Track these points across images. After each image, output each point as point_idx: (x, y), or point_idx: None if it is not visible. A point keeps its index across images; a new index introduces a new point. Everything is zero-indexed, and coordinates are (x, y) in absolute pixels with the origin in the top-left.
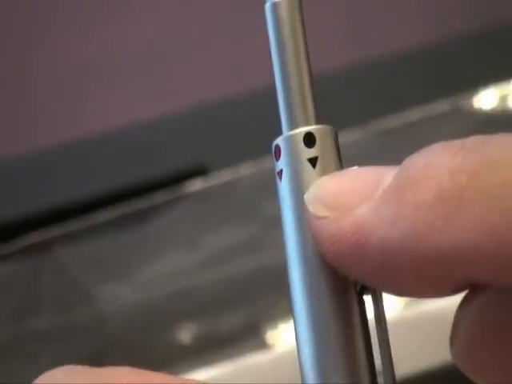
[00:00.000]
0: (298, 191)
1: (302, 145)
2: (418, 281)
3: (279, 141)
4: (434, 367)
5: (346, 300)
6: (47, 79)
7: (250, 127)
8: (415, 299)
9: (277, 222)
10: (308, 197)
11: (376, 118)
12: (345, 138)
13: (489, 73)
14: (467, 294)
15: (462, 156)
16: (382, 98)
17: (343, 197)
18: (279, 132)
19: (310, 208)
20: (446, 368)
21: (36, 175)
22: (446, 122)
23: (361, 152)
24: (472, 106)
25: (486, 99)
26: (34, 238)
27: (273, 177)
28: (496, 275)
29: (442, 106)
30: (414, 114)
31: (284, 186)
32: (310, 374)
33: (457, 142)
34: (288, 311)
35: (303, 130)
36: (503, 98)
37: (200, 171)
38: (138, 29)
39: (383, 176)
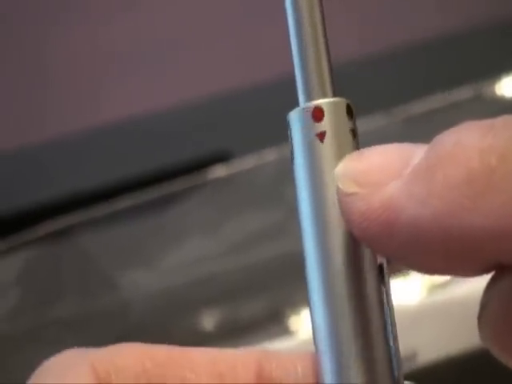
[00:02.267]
0: (308, 167)
1: (310, 119)
2: (447, 259)
3: (290, 115)
4: (458, 353)
5: (365, 277)
6: (51, 74)
7: (273, 113)
8: (439, 286)
9: None
10: (338, 173)
11: (400, 105)
12: (369, 124)
13: (511, 59)
14: (494, 275)
15: (492, 136)
16: (405, 85)
17: (373, 173)
18: None
19: (340, 184)
20: (470, 354)
21: (58, 162)
22: (468, 108)
23: (384, 138)
24: (495, 93)
25: (509, 86)
26: (57, 224)
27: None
28: None
29: (465, 92)
30: (437, 101)
31: (296, 162)
32: (325, 357)
33: (487, 122)
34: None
35: (312, 104)
36: None
37: (223, 157)
38: (159, 15)
39: (412, 153)
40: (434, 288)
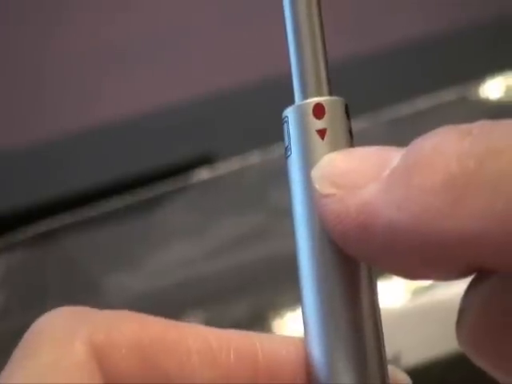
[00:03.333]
0: (306, 163)
1: (311, 115)
2: (424, 264)
3: (288, 111)
4: (442, 356)
5: (354, 277)
6: (51, 71)
7: (257, 116)
8: (423, 289)
9: (284, 211)
10: (315, 174)
11: (384, 107)
12: (353, 126)
13: (496, 62)
14: (474, 280)
15: (470, 141)
16: (390, 87)
17: (350, 175)
18: None
19: (317, 185)
20: (454, 357)
21: (43, 165)
22: (453, 110)
23: (369, 140)
24: (479, 95)
25: (493, 88)
26: (41, 227)
27: (280, 166)
28: (502, 262)
29: (449, 95)
30: (421, 103)
31: (292, 158)
32: (316, 351)
33: (464, 127)
34: (295, 300)
35: (313, 100)
36: (510, 88)
37: (207, 160)
38: (145, 17)
39: (391, 157)
40: (418, 291)
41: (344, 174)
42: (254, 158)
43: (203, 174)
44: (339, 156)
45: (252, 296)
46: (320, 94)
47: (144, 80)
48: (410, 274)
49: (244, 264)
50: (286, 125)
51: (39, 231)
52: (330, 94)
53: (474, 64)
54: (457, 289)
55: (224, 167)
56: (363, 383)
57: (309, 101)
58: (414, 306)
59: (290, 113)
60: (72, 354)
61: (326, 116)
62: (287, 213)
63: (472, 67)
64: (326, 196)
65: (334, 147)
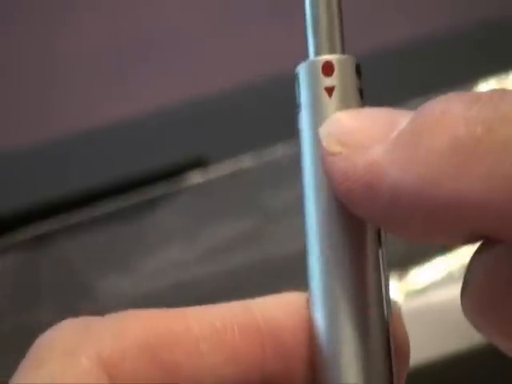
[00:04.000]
0: (313, 120)
1: (320, 73)
2: (427, 225)
3: (300, 67)
4: (436, 358)
5: (359, 236)
6: (33, 77)
7: (250, 119)
8: (416, 291)
9: (277, 214)
10: (322, 132)
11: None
12: None
13: (489, 65)
14: (478, 248)
15: (479, 107)
16: (381, 90)
17: (358, 135)
18: (280, 124)
19: (324, 143)
20: (448, 359)
21: (35, 168)
22: None
23: None
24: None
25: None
26: (35, 230)
27: (273, 169)
28: (506, 227)
29: None
30: (414, 106)
31: (302, 115)
32: (319, 314)
33: (474, 93)
34: None
35: (323, 58)
36: None
37: (200, 163)
38: (139, 22)
39: (399, 118)
40: (411, 293)
41: (351, 133)
42: (247, 162)
43: (196, 177)
44: (347, 115)
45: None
46: (332, 52)
47: (136, 83)
48: (413, 235)
49: (237, 267)
50: (296, 81)
51: (33, 234)
52: (343, 52)
53: (467, 67)
54: (450, 291)
55: (217, 170)
56: (366, 342)
57: (319, 58)
58: (407, 309)
59: (301, 69)
60: (79, 368)
61: (334, 74)
62: (280, 216)
63: (465, 70)
64: (333, 154)
65: (342, 105)
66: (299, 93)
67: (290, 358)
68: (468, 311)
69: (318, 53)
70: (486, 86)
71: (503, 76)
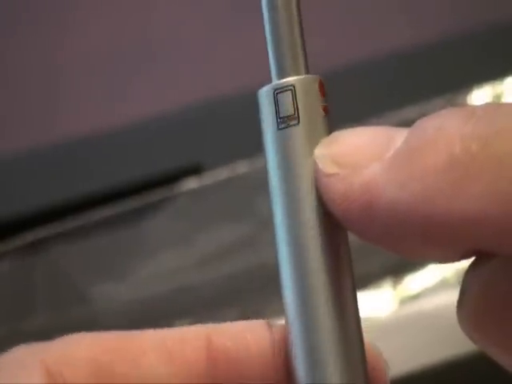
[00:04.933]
0: (268, 149)
1: (271, 100)
2: (425, 244)
3: (257, 94)
4: (429, 365)
5: (339, 252)
6: (26, 83)
7: (245, 126)
8: (410, 298)
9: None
10: (318, 153)
11: (372, 116)
12: None
13: (483, 71)
14: (474, 261)
15: (474, 122)
16: (377, 97)
17: (354, 155)
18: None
19: (320, 165)
20: (442, 366)
21: (30, 174)
22: None
23: None
24: (467, 104)
25: (481, 97)
26: (29, 237)
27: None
28: (503, 244)
29: (437, 104)
30: (409, 112)
31: (262, 141)
32: (295, 327)
33: (468, 108)
34: (283, 309)
35: (282, 82)
36: (497, 97)
37: (195, 170)
38: (133, 28)
39: (394, 136)
40: (406, 300)
41: (347, 153)
42: (242, 168)
43: (191, 183)
44: (341, 135)
45: (241, 305)
46: (296, 73)
47: (132, 90)
48: (410, 253)
49: (232, 273)
50: (260, 104)
51: (27, 241)
52: (307, 71)
53: (462, 73)
54: (444, 297)
55: (212, 177)
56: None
57: (278, 82)
58: (401, 315)
59: (261, 95)
60: (26, 377)
61: (298, 97)
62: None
63: (460, 76)
64: (330, 175)
65: (308, 128)
66: (265, 115)
67: (243, 376)
68: (464, 324)
69: (280, 76)
70: (480, 92)
71: (498, 82)
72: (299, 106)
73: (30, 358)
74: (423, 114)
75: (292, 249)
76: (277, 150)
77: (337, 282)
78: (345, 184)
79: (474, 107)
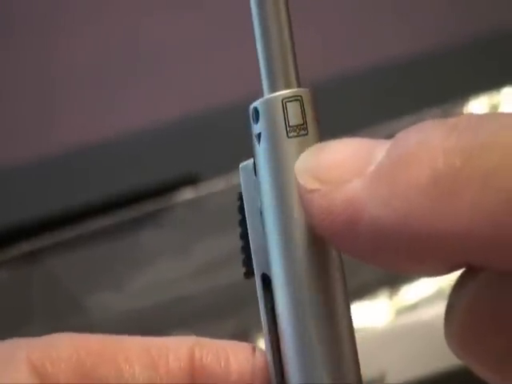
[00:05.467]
0: (276, 156)
1: (280, 109)
2: (410, 259)
3: (258, 103)
4: (426, 375)
5: (330, 276)
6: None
7: (241, 136)
8: (407, 308)
9: None
10: (299, 168)
11: (368, 126)
12: None
13: (479, 81)
14: (461, 276)
15: (457, 136)
16: (373, 107)
17: (335, 170)
18: None
19: (301, 180)
20: (438, 376)
21: (26, 185)
22: None
23: None
24: (463, 114)
25: (477, 108)
26: (25, 247)
27: None
28: (488, 259)
29: (433, 114)
30: (405, 122)
31: (262, 150)
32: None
33: (451, 121)
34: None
35: (290, 91)
36: (493, 107)
37: (192, 180)
38: (129, 39)
39: (375, 150)
40: (402, 310)
41: (328, 168)
42: (237, 179)
43: (187, 193)
44: (322, 149)
45: (237, 316)
46: (289, 87)
47: (127, 100)
48: (396, 268)
49: (229, 283)
50: (255, 115)
51: (24, 251)
52: (299, 85)
53: (458, 83)
54: (440, 308)
55: (208, 187)
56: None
57: (278, 93)
58: (397, 325)
59: (259, 105)
60: (13, 372)
61: (295, 110)
62: None
63: (456, 86)
64: (311, 191)
65: (299, 140)
66: (258, 128)
67: None
68: (451, 341)
69: (273, 89)
70: (477, 102)
71: (495, 92)
72: (307, 116)
73: (15, 353)
74: None
75: (283, 257)
76: (284, 156)
77: (327, 295)
78: (326, 200)
79: (457, 119)
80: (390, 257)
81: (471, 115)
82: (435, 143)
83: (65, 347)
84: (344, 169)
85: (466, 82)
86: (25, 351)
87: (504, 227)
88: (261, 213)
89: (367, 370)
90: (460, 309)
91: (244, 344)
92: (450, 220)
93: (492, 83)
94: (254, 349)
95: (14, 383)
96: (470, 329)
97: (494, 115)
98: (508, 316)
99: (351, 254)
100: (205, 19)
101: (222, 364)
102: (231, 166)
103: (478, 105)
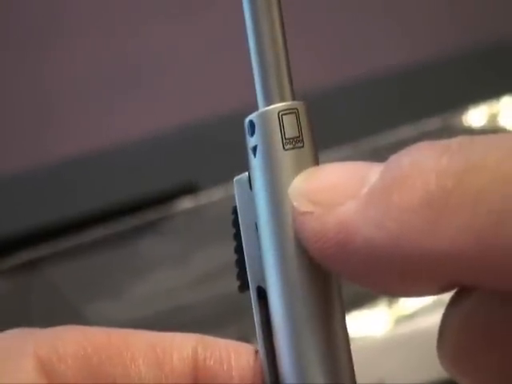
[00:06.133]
0: (272, 169)
1: (276, 122)
2: (403, 281)
3: (254, 116)
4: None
5: (325, 290)
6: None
7: (240, 145)
8: (406, 317)
9: None
10: (292, 191)
11: (368, 136)
12: (337, 154)
13: (479, 91)
14: (454, 297)
15: (448, 158)
16: (373, 116)
17: (328, 193)
18: None
19: (294, 203)
20: None
21: (26, 194)
22: (437, 139)
23: None
24: (462, 124)
25: (476, 117)
26: (24, 256)
27: None
28: (480, 279)
29: (432, 123)
30: (405, 132)
31: (258, 162)
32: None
33: (442, 143)
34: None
35: (285, 104)
36: (493, 116)
37: (191, 189)
38: (127, 49)
39: (368, 172)
40: (401, 319)
41: (321, 190)
42: None
43: (187, 203)
44: (315, 172)
45: (237, 324)
46: (283, 99)
47: (127, 110)
48: (389, 290)
49: (228, 293)
50: (251, 128)
51: (23, 260)
52: (293, 97)
53: (457, 92)
54: (439, 317)
55: (206, 197)
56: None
57: (274, 106)
58: (396, 334)
59: (255, 118)
60: (19, 369)
61: (293, 123)
62: None
63: (455, 96)
64: (304, 214)
65: (296, 155)
66: (254, 141)
67: None
68: (444, 359)
69: (269, 102)
70: (477, 111)
71: (494, 101)
72: (302, 129)
73: (22, 346)
74: (420, 134)
75: (279, 270)
76: (281, 169)
77: (323, 307)
78: (319, 223)
79: (448, 141)
80: (383, 278)
81: (463, 138)
82: (427, 165)
83: (71, 342)
84: (337, 191)
85: (466, 91)
86: (32, 346)
87: (493, 248)
88: (256, 226)
89: (366, 378)
90: (453, 328)
91: (246, 345)
92: (442, 241)
93: (491, 92)
94: (256, 352)
95: (22, 383)
96: (462, 348)
97: (485, 137)
98: (500, 334)
99: (344, 276)
100: (203, 31)
101: (225, 367)
102: (230, 176)
103: (477, 114)
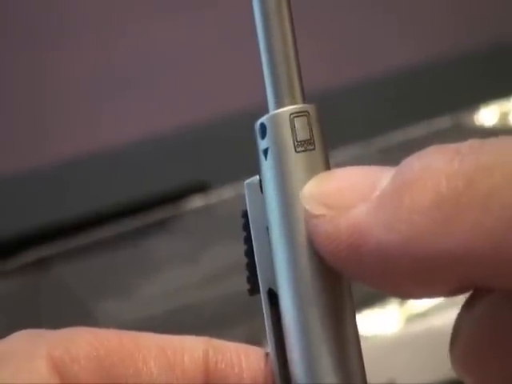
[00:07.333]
0: (283, 171)
1: (288, 124)
2: (416, 283)
3: (265, 119)
4: (434, 383)
5: (336, 293)
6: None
7: (250, 144)
8: (417, 316)
9: None
10: (304, 194)
11: (378, 135)
12: (347, 154)
13: (489, 90)
14: (467, 299)
15: (459, 160)
16: (384, 115)
17: (340, 196)
18: None
19: (307, 206)
20: (448, 383)
21: (35, 193)
22: (447, 138)
23: None
24: (473, 123)
25: (487, 116)
26: (34, 255)
27: None
28: (494, 279)
29: (443, 122)
30: (415, 131)
31: (270, 165)
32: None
33: (453, 146)
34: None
35: (297, 107)
36: (504, 115)
37: (201, 188)
38: (135, 47)
39: (380, 176)
40: (412, 318)
41: (333, 194)
42: None
43: (197, 201)
44: (328, 176)
45: (246, 323)
46: (294, 102)
47: (137, 108)
48: (402, 293)
49: (238, 291)
50: (262, 131)
51: (32, 259)
52: (304, 100)
53: (468, 91)
54: (450, 315)
55: (217, 195)
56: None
57: (286, 109)
58: (408, 333)
59: (267, 120)
60: (33, 370)
61: (303, 125)
62: None
63: (466, 95)
64: (317, 217)
65: (306, 157)
66: (265, 143)
67: None
68: (456, 362)
69: (280, 105)
70: (487, 110)
71: (505, 100)
72: (314, 132)
73: (35, 347)
74: (430, 133)
75: (290, 272)
76: (293, 171)
77: (334, 309)
78: (332, 225)
79: (459, 145)
80: (396, 281)
81: (473, 141)
82: (438, 168)
83: (84, 343)
84: (349, 195)
85: (477, 90)
86: (45, 347)
87: (505, 245)
88: (267, 229)
89: (377, 377)
90: (466, 331)
91: (256, 348)
92: (453, 242)
93: (502, 91)
94: (266, 355)
95: (33, 380)
96: (475, 352)
97: (495, 140)
98: None
99: (356, 278)
100: (208, 29)
101: (236, 370)
102: (241, 175)
103: (488, 113)
